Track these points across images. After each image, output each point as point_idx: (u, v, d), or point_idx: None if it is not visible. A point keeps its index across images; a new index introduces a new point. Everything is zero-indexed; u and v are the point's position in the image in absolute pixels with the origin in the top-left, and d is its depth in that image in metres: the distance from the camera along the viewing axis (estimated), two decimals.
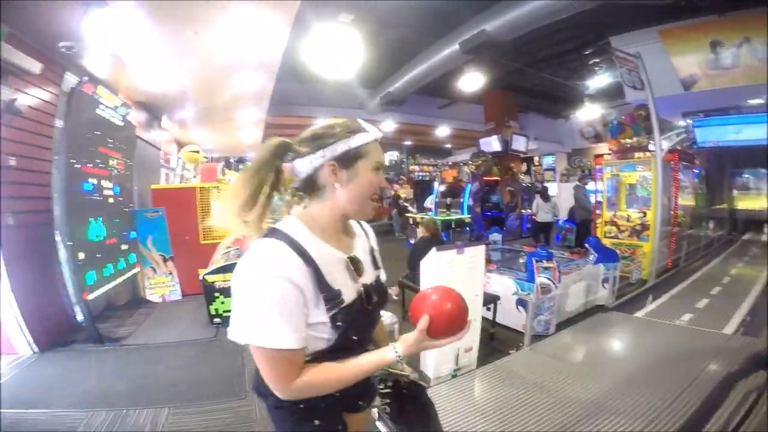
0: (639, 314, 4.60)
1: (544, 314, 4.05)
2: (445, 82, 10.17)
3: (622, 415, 2.49)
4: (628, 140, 7.10)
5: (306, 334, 0.84)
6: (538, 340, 3.67)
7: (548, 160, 15.48)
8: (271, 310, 0.77)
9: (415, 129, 14.75)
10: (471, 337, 3.22)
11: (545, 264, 4.24)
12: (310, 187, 0.94)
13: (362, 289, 0.96)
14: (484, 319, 3.52)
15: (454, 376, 3.08)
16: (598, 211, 7.86)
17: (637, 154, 6.85)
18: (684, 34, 6.63)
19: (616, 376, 3.03)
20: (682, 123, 6.14)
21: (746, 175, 11.25)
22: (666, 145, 6.17)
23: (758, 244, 9.62)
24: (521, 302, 4.21)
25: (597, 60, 9.22)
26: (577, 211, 8.77)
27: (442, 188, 10.95)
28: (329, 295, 0.85)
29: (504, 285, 4.36)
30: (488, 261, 4.65)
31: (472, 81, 9.15)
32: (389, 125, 13.10)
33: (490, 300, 3.90)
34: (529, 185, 12.82)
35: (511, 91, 12.39)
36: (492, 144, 12.11)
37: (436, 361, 3.05)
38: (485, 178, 10.94)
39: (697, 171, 9.54)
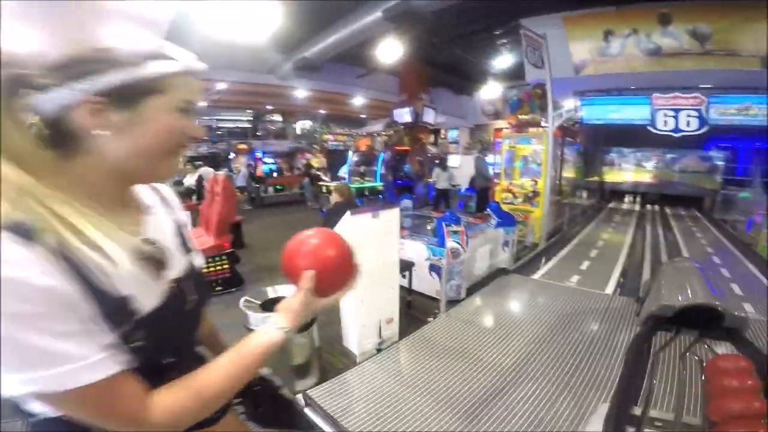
0: (536, 276, 5.02)
1: (455, 279, 4.16)
2: (364, 51, 9.87)
3: (541, 379, 2.61)
4: (524, 116, 7.64)
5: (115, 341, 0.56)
6: (451, 306, 3.74)
7: (453, 134, 16.28)
8: (35, 334, 0.48)
9: (331, 97, 14.27)
10: (391, 308, 3.13)
11: (454, 228, 4.33)
12: (59, 137, 0.56)
13: (172, 286, 0.68)
14: (400, 287, 3.45)
15: (378, 350, 2.97)
16: (496, 180, 8.50)
17: (531, 129, 7.43)
18: (583, 22, 7.24)
19: (529, 339, 3.19)
20: (571, 102, 6.75)
21: (612, 153, 13.06)
22: (556, 122, 6.77)
23: (620, 211, 11.34)
24: (434, 268, 4.26)
25: (504, 41, 9.70)
26: (478, 179, 9.50)
27: (356, 157, 10.82)
28: (109, 307, 0.55)
29: (416, 251, 4.37)
30: (401, 227, 4.61)
31: (391, 50, 9.00)
32: (302, 92, 12.39)
33: (406, 267, 3.86)
34: (436, 156, 13.37)
35: (425, 65, 12.56)
36: (404, 115, 12.31)
37: (359, 335, 2.91)
38: (397, 147, 11.11)
39: (577, 147, 10.87)
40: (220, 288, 4.37)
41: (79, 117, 0.56)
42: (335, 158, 15.02)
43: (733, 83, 5.98)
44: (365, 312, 2.86)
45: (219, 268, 4.33)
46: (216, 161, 13.79)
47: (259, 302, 2.41)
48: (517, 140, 7.45)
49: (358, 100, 14.67)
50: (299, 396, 2.41)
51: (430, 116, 12.69)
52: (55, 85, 0.53)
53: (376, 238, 2.85)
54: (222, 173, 4.84)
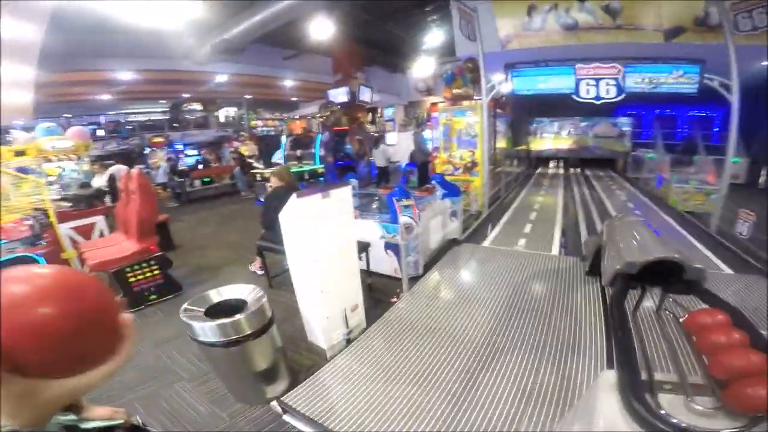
0: (486, 243, 5.06)
1: (411, 255, 3.99)
2: (291, 32, 9.27)
3: (517, 349, 2.56)
4: (458, 90, 7.67)
5: None
6: (413, 283, 3.58)
7: (388, 112, 16.13)
8: None
9: (258, 81, 13.36)
10: (355, 294, 2.87)
11: (405, 202, 4.16)
12: None
13: None
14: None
15: (348, 341, 2.71)
16: (435, 154, 8.54)
17: (465, 102, 7.47)
18: None
19: (495, 308, 3.15)
20: (502, 75, 6.85)
21: (536, 123, 13.78)
22: (488, 94, 6.84)
23: (547, 175, 12.04)
24: (389, 246, 4.06)
25: (435, 17, 9.64)
26: (417, 154, 9.59)
27: (291, 141, 10.17)
28: None
29: (369, 230, 4.13)
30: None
31: (322, 30, 8.49)
32: (223, 77, 11.37)
33: (362, 248, 3.61)
34: (375, 134, 13.22)
35: (358, 44, 12.19)
36: (340, 95, 11.99)
37: (324, 328, 2.62)
38: (335, 128, 10.73)
39: (506, 119, 11.27)
40: (154, 297, 3.78)
41: None
42: (267, 144, 14.18)
43: (645, 54, 6.42)
44: (328, 302, 2.57)
45: (149, 274, 3.72)
46: (129, 158, 12.25)
47: (203, 309, 2.02)
48: (454, 113, 7.46)
49: (289, 83, 13.90)
50: (274, 404, 2.12)
51: (366, 95, 12.46)
52: None
53: (329, 220, 2.55)
54: (136, 170, 4.14)
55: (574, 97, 6.32)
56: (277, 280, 4.05)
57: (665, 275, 2.14)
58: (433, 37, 10.98)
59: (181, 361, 2.83)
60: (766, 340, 1.29)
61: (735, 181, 6.75)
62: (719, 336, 1.33)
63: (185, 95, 15.27)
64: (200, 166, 11.64)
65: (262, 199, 8.94)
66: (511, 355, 2.49)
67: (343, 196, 2.76)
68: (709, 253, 4.43)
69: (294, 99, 17.83)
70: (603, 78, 6.06)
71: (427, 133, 9.84)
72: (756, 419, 1.07)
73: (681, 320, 1.58)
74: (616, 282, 2.19)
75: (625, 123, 12.56)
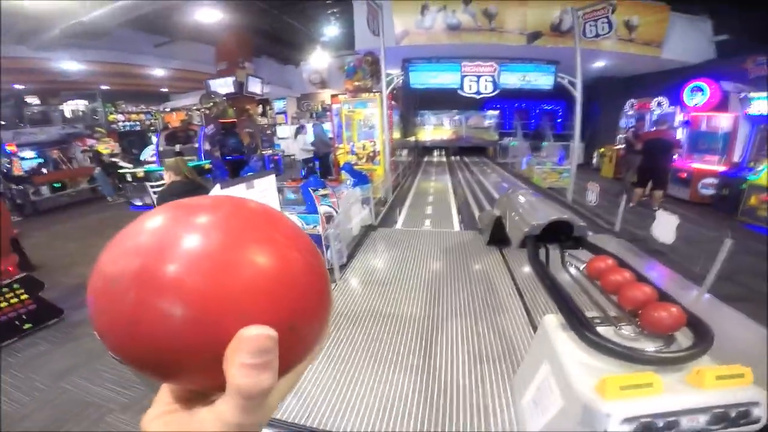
0: (398, 227, 5.28)
1: (335, 243, 3.94)
2: (167, 17, 8.11)
3: (457, 317, 2.74)
4: (358, 82, 7.75)
5: None
6: (340, 272, 3.55)
7: (279, 104, 15.36)
8: None
9: (118, 70, 11.27)
10: None
11: (322, 192, 4.09)
12: None
13: None
14: None
15: None
16: (337, 144, 8.53)
17: (364, 94, 7.60)
18: None
19: (425, 283, 3.32)
20: (398, 70, 7.14)
21: (421, 116, 14.73)
22: (388, 87, 7.07)
23: (433, 163, 13.02)
24: (311, 237, 3.94)
25: (335, 10, 9.44)
26: (318, 146, 9.34)
27: (166, 136, 8.86)
28: None
29: None
30: None
31: (209, 16, 7.60)
32: (73, 66, 9.37)
33: None
34: (267, 127, 12.49)
35: (247, 32, 11.25)
36: (225, 86, 10.93)
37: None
38: (221, 120, 9.73)
39: (397, 111, 11.80)
40: (29, 326, 2.98)
41: None
42: (131, 141, 12.21)
43: (513, 55, 7.41)
44: None
45: (15, 301, 2.91)
46: None
47: None
48: (354, 105, 7.53)
49: (159, 72, 12.13)
50: None
51: (256, 86, 11.63)
52: None
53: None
54: None
55: (459, 91, 6.95)
56: None
57: (558, 234, 2.54)
58: (331, 30, 10.79)
59: (100, 391, 2.37)
60: (644, 276, 1.63)
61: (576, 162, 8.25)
62: (616, 276, 1.64)
63: (17, 86, 12.12)
64: (44, 170, 9.35)
65: (138, 203, 7.75)
66: (453, 323, 2.68)
67: (268, 185, 2.59)
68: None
69: (164, 90, 15.65)
70: (482, 75, 6.77)
71: (326, 125, 9.68)
72: (670, 338, 1.37)
73: (582, 268, 1.91)
74: (525, 243, 2.50)
75: (492, 115, 14.33)
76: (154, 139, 9.10)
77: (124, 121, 14.86)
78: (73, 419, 2.16)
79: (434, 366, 2.22)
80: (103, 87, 13.48)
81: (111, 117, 14.57)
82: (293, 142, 8.82)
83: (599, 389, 1.16)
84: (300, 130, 9.04)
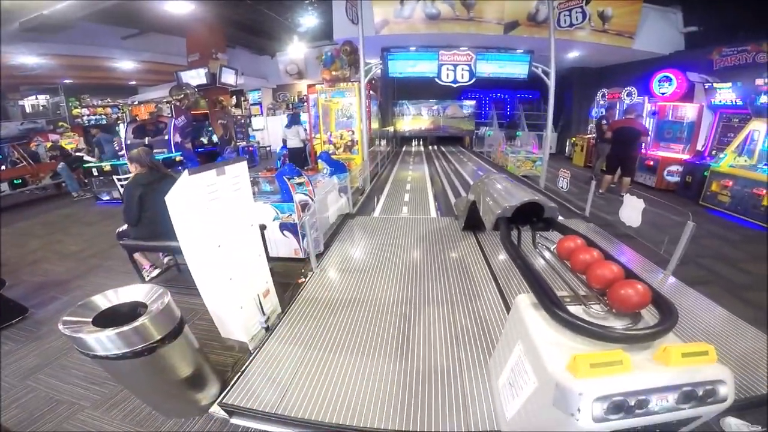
0: (376, 214, 5.22)
1: (312, 232, 3.85)
2: (134, 8, 7.65)
3: (432, 303, 2.73)
4: (336, 72, 7.58)
5: None
6: (317, 260, 3.47)
7: (254, 96, 14.90)
8: None
9: (83, 63, 10.68)
10: (264, 278, 2.62)
11: (297, 180, 3.98)
12: None
13: None
14: None
15: (266, 329, 2.46)
16: (314, 134, 8.37)
17: (342, 84, 7.44)
18: None
19: (401, 270, 3.28)
20: (376, 59, 7.02)
21: (399, 106, 14.61)
22: (366, 76, 6.94)
23: (411, 153, 12.97)
24: (286, 226, 3.83)
25: (312, 0, 9.20)
26: (293, 137, 9.11)
27: (133, 127, 8.42)
28: None
29: (261, 213, 3.82)
30: None
31: (181, 7, 7.22)
32: (33, 59, 8.82)
33: (260, 230, 3.31)
34: (241, 118, 12.13)
35: (221, 23, 10.81)
36: (196, 77, 10.53)
37: (241, 319, 2.35)
38: (193, 112, 9.37)
39: (375, 102, 11.66)
40: None
41: None
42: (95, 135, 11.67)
43: (494, 44, 7.39)
44: (238, 290, 2.29)
45: None
46: None
47: (90, 319, 1.56)
48: (332, 94, 7.37)
49: (126, 65, 11.59)
50: (215, 410, 1.85)
51: (230, 77, 11.26)
52: None
53: (227, 200, 2.25)
54: None
55: (437, 80, 6.89)
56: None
57: (531, 216, 2.54)
58: (308, 20, 10.49)
59: (70, 388, 2.25)
60: (611, 255, 1.64)
61: (550, 151, 8.38)
62: (585, 255, 1.63)
63: None
64: (2, 167, 8.75)
65: (105, 198, 7.37)
66: (430, 308, 2.66)
67: (239, 171, 2.47)
68: None
69: (132, 83, 14.98)
70: (459, 64, 6.73)
71: (303, 116, 9.48)
72: (636, 316, 1.37)
73: (553, 249, 1.90)
74: (498, 225, 2.48)
75: (469, 105, 14.34)
76: (122, 131, 8.63)
77: (89, 115, 14.12)
78: (43, 417, 2.03)
79: (411, 351, 2.20)
80: (67, 81, 12.78)
81: (75, 111, 13.84)
82: (286, 130, 8.58)
83: (570, 367, 1.14)
84: (292, 119, 8.75)
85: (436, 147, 14.20)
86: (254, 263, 2.54)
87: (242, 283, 2.35)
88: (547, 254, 1.97)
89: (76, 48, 9.75)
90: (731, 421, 1.72)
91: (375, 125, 10.15)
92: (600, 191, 6.05)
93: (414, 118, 14.69)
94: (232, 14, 10.22)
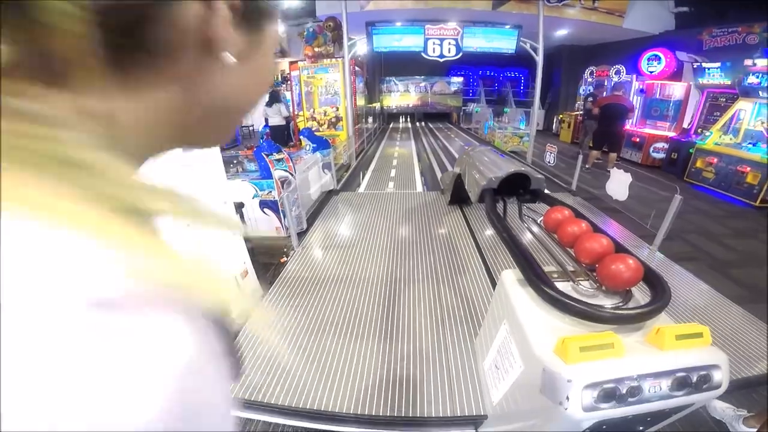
0: (360, 190, 5.06)
1: (293, 209, 3.69)
2: None
3: (417, 279, 2.62)
4: (318, 48, 7.23)
5: None
6: (300, 238, 3.32)
7: None
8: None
9: None
10: (242, 258, 2.47)
11: (276, 156, 3.78)
12: (144, 44, 0.21)
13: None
14: None
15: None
16: (297, 112, 8.05)
17: (326, 60, 7.10)
18: None
19: (386, 246, 3.16)
20: (361, 35, 6.69)
21: (386, 83, 14.20)
22: (350, 51, 6.62)
23: (399, 129, 12.70)
24: (266, 204, 3.65)
25: None
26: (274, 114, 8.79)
27: None
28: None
29: (239, 191, 3.62)
30: None
31: None
32: None
33: (236, 208, 3.14)
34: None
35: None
36: None
37: None
38: None
39: (360, 79, 11.28)
40: None
41: (207, 23, 0.24)
42: None
43: (482, 19, 7.08)
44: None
45: None
46: None
47: None
48: (315, 70, 7.04)
49: None
50: None
51: None
52: None
53: (197, 176, 2.06)
54: None
55: (423, 54, 6.61)
56: None
57: (517, 188, 2.44)
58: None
59: None
60: (600, 227, 1.52)
61: (537, 128, 8.26)
62: (573, 227, 1.51)
63: None
64: None
65: None
66: (415, 285, 2.56)
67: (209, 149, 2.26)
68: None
69: None
70: (446, 38, 6.45)
71: (287, 95, 9.10)
72: (627, 294, 1.27)
73: (540, 221, 1.79)
74: (484, 197, 2.38)
75: (457, 82, 14.02)
76: None
77: None
78: None
79: (396, 331, 2.10)
80: None
81: None
82: (267, 108, 8.22)
83: (559, 351, 1.04)
84: (272, 97, 8.35)
85: (423, 123, 13.94)
86: (229, 243, 2.38)
87: (219, 264, 2.19)
88: (534, 227, 1.85)
89: None
90: (717, 405, 1.68)
91: (361, 102, 9.83)
92: (586, 166, 5.99)
93: (402, 95, 14.32)
94: None
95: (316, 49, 7.25)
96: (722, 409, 1.65)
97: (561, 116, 10.64)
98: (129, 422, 0.15)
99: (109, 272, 0.17)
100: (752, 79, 5.39)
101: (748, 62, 5.52)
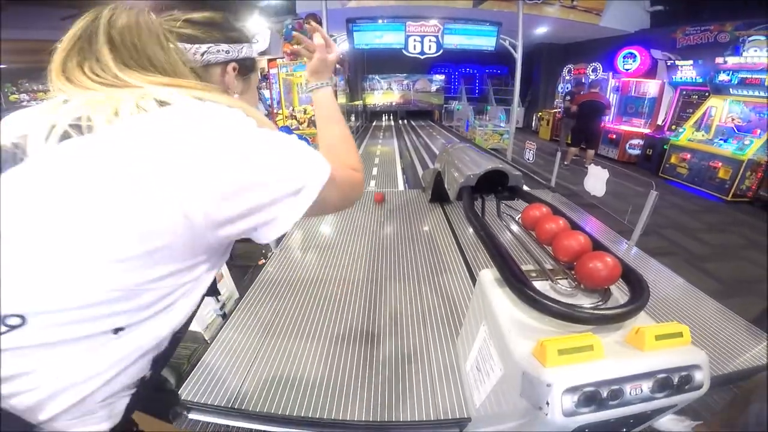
0: None
1: None
2: None
3: (399, 278, 2.59)
4: (297, 45, 7.10)
5: None
6: (279, 240, 3.22)
7: None
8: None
9: (19, 47, 9.61)
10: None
11: None
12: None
13: None
14: None
15: (224, 316, 2.23)
16: (276, 111, 7.91)
17: (305, 58, 6.99)
18: None
19: (366, 246, 3.09)
20: (342, 32, 6.60)
21: (368, 81, 14.09)
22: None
23: (381, 127, 12.62)
24: None
25: None
26: None
27: None
28: None
29: None
30: None
31: None
32: None
33: None
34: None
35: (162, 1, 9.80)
36: None
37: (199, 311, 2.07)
38: None
39: (341, 78, 11.17)
40: None
41: (226, 74, 0.74)
42: None
43: (463, 16, 7.06)
44: None
45: None
46: None
47: None
48: (294, 68, 6.89)
49: None
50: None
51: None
52: (207, 39, 0.69)
53: None
54: None
55: (404, 51, 6.57)
56: None
57: (495, 186, 2.42)
58: None
59: None
60: (578, 225, 1.50)
61: (517, 125, 8.34)
62: (551, 224, 1.47)
63: None
64: None
65: None
66: (397, 284, 2.52)
67: None
68: None
69: None
70: (426, 35, 6.42)
71: (266, 93, 8.94)
72: (606, 293, 1.24)
73: (518, 218, 1.76)
74: (462, 195, 2.34)
75: (438, 80, 14.04)
76: None
77: (29, 101, 12.80)
78: None
79: (377, 333, 2.05)
80: (1, 66, 11.49)
81: (13, 97, 12.50)
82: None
83: (537, 353, 1.00)
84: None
85: (406, 121, 13.91)
86: None
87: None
88: (512, 225, 1.82)
89: (9, 32, 8.74)
90: (662, 420, 1.61)
91: (343, 100, 9.74)
92: (565, 163, 6.06)
93: (384, 93, 14.26)
94: None
95: (295, 46, 7.12)
96: (669, 425, 1.60)
97: (540, 114, 10.78)
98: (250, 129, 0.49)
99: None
100: (723, 77, 5.55)
101: (719, 60, 5.68)
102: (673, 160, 5.82)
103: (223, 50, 0.70)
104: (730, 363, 1.89)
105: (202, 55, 0.67)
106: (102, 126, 0.42)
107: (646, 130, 7.12)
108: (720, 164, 5.05)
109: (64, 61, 0.50)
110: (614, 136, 7.41)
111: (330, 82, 0.90)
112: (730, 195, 4.89)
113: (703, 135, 5.67)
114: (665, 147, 5.99)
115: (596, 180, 3.56)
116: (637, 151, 6.99)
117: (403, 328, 2.09)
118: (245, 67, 0.76)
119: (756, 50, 5.40)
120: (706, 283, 2.70)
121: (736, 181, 4.83)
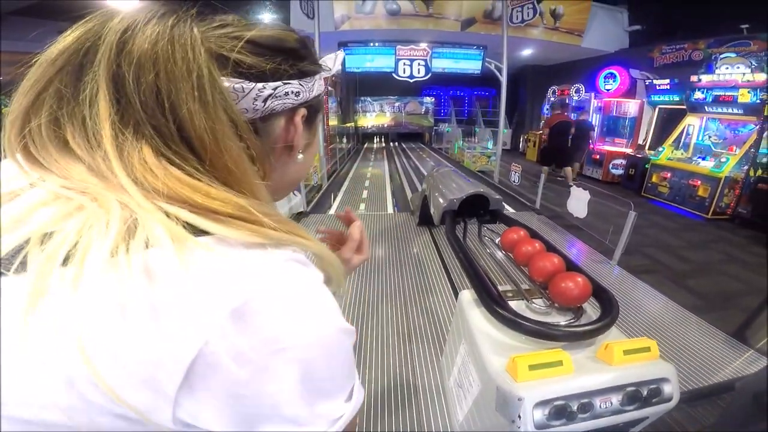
0: (331, 212, 5.03)
1: None
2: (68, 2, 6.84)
3: (386, 301, 2.63)
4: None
5: None
6: None
7: None
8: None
9: (14, 59, 9.64)
10: None
11: None
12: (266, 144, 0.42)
13: None
14: None
15: None
16: None
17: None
18: None
19: (357, 271, 3.10)
20: (333, 55, 6.82)
21: (361, 103, 14.46)
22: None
23: (373, 150, 12.84)
24: None
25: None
26: None
27: None
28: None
29: None
30: None
31: (124, 4, 6.56)
32: None
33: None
34: None
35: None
36: None
37: None
38: None
39: (333, 100, 11.42)
40: None
41: (293, 125, 0.43)
42: None
43: (451, 39, 7.44)
44: None
45: None
46: None
47: None
48: None
49: None
50: None
51: None
52: (275, 73, 0.39)
53: None
54: None
55: (394, 75, 6.79)
56: None
57: (477, 210, 2.50)
58: (265, 16, 10.14)
59: None
60: (554, 246, 1.58)
61: (504, 147, 8.57)
62: (527, 247, 1.56)
63: None
64: None
65: None
66: (384, 305, 2.56)
67: None
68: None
69: None
70: (415, 59, 6.68)
71: None
72: (579, 310, 1.30)
73: (497, 241, 1.84)
74: (444, 219, 2.42)
75: (428, 102, 14.43)
76: None
77: None
78: None
79: (366, 351, 2.08)
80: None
81: (6, 110, 12.54)
82: None
83: (510, 369, 1.05)
84: None
85: (397, 144, 14.18)
86: None
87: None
88: (492, 247, 1.89)
89: (5, 44, 8.86)
90: None
91: (334, 122, 9.93)
92: (570, 183, 6.23)
93: (377, 116, 14.58)
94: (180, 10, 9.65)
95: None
96: None
97: (527, 135, 11.08)
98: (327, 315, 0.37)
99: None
100: (698, 95, 5.74)
101: (693, 78, 5.86)
102: (654, 179, 6.00)
103: (292, 92, 0.41)
104: (712, 376, 1.95)
105: (265, 101, 0.39)
106: (100, 266, 0.25)
107: (628, 150, 7.35)
108: (699, 182, 5.22)
109: (25, 114, 0.32)
110: (598, 157, 7.63)
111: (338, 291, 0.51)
112: (710, 213, 5.03)
113: (682, 153, 5.89)
114: (646, 166, 6.19)
115: (578, 202, 3.68)
116: (620, 171, 7.20)
117: (390, 347, 2.12)
118: (314, 109, 0.46)
119: (728, 67, 5.56)
120: (686, 299, 2.77)
121: (715, 198, 4.98)
